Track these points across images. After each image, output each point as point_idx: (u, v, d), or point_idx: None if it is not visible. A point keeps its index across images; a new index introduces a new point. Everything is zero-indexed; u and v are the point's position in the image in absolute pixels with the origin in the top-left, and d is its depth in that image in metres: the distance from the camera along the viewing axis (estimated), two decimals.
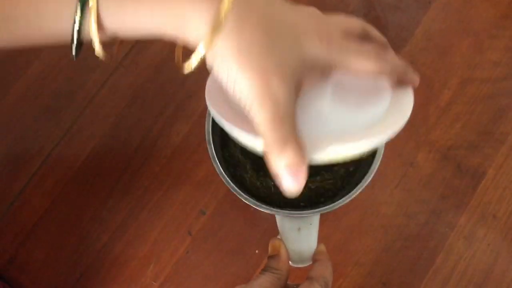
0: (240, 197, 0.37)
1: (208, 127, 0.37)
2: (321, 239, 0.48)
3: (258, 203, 0.37)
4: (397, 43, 0.52)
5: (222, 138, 0.41)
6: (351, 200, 0.38)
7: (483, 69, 0.52)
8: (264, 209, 0.36)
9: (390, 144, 0.49)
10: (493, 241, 0.48)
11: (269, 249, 0.35)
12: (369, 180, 0.37)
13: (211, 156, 0.37)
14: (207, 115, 0.38)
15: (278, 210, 0.37)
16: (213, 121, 0.38)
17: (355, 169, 0.41)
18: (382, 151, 0.37)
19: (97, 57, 0.48)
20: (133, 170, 0.49)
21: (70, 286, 0.47)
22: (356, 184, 0.37)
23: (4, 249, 0.48)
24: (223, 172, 0.37)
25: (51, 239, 0.48)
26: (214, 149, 0.37)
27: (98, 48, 0.28)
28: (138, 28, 0.27)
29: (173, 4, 0.26)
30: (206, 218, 0.48)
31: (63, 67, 0.52)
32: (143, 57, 0.52)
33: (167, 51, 0.52)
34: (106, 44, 0.28)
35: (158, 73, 0.52)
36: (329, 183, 0.40)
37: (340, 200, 0.36)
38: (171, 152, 0.50)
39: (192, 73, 0.28)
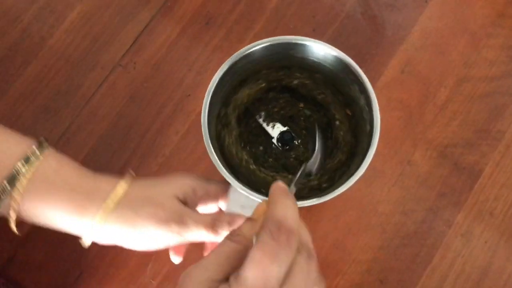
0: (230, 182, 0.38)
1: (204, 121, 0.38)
2: (319, 237, 0.48)
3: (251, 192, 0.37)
4: (393, 42, 0.52)
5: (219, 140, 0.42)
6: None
7: (479, 68, 0.52)
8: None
9: (387, 143, 0.50)
10: (490, 238, 0.48)
11: (254, 211, 0.31)
12: (359, 175, 0.37)
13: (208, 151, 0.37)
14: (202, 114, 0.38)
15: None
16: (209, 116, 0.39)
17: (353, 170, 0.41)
18: (376, 145, 0.37)
19: (96, 56, 0.50)
20: (132, 169, 0.49)
21: (69, 285, 0.47)
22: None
23: (4, 249, 0.48)
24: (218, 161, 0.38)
25: (50, 239, 0.48)
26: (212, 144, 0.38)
27: (12, 226, 0.39)
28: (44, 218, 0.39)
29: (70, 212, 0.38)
30: None
31: (61, 66, 0.52)
32: (141, 56, 0.52)
33: (165, 51, 0.52)
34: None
35: (156, 72, 0.52)
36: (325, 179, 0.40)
37: (328, 195, 0.37)
38: (170, 151, 0.50)
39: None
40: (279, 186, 0.29)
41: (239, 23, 0.53)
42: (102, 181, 0.40)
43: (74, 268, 0.47)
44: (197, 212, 0.40)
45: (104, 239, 0.40)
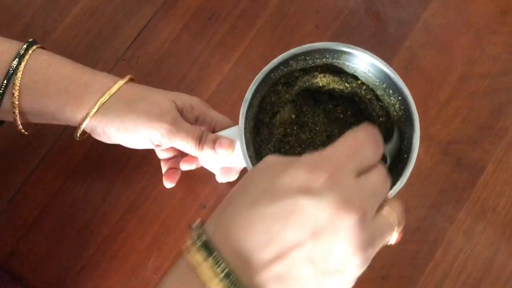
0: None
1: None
2: None
3: None
4: (397, 39, 0.52)
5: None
6: None
7: (483, 65, 0.52)
8: None
9: None
10: (492, 235, 0.48)
11: None
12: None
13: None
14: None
15: None
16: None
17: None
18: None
19: (99, 50, 0.49)
20: (134, 164, 0.49)
21: (71, 279, 0.47)
22: None
23: (6, 242, 0.48)
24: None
25: (52, 233, 0.48)
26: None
27: (18, 124, 0.41)
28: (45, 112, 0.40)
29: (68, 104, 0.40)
30: (206, 211, 0.48)
31: None
32: (145, 51, 0.52)
33: (168, 46, 0.52)
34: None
35: (160, 67, 0.52)
36: None
37: None
38: None
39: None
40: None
41: (243, 18, 0.53)
42: (101, 75, 0.42)
43: (76, 262, 0.48)
44: (189, 124, 0.41)
45: (97, 133, 0.42)
